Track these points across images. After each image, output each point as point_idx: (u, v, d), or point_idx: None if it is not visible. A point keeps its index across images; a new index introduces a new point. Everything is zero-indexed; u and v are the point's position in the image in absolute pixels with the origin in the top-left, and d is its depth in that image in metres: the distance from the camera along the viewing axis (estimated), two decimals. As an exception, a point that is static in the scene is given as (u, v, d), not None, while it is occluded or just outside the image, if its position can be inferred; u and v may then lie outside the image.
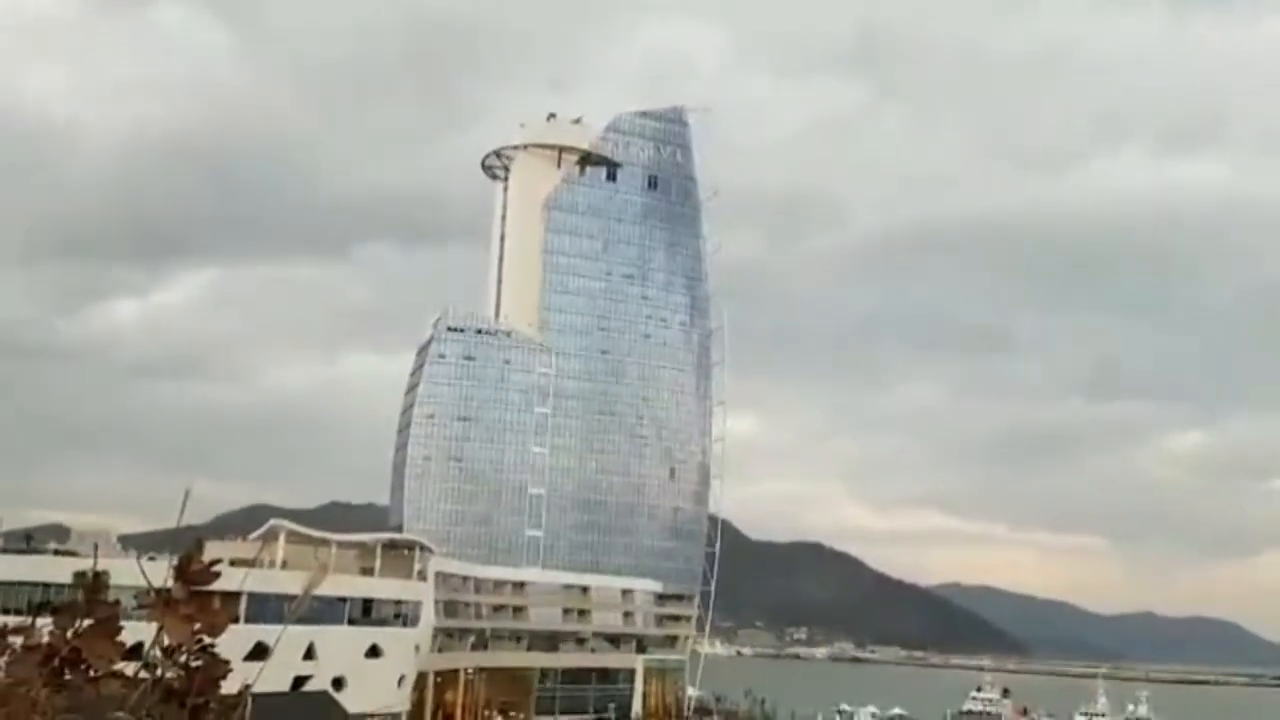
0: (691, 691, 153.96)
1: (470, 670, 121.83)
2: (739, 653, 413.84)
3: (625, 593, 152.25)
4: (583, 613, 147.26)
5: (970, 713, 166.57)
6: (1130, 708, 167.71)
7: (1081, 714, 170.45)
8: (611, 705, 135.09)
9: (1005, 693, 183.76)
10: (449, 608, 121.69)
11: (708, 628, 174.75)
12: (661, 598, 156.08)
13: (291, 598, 73.28)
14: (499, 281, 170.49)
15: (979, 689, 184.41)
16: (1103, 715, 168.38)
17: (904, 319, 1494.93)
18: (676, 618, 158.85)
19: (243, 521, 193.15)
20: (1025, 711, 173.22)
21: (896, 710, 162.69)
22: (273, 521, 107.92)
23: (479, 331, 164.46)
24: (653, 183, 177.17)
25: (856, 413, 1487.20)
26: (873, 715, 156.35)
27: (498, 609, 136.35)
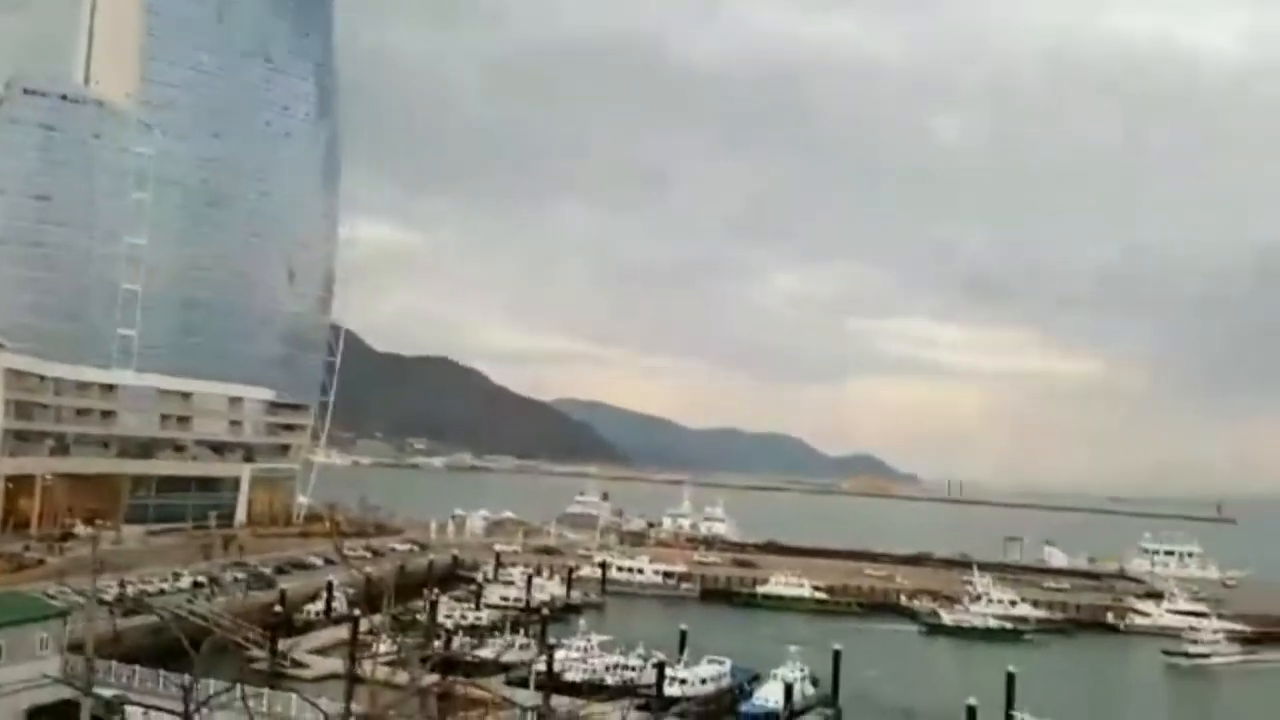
0: (302, 500, 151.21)
1: (48, 476, 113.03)
2: (356, 463, 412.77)
3: (233, 400, 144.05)
4: (183, 419, 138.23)
5: (573, 514, 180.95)
6: (709, 510, 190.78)
7: (669, 515, 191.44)
8: (213, 514, 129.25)
9: (605, 497, 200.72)
10: (21, 409, 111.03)
11: (324, 438, 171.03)
12: (275, 406, 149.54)
13: None
14: (89, 40, 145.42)
15: (582, 494, 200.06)
16: (686, 515, 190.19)
17: (570, 144, 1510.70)
18: (290, 427, 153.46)
19: None
20: (621, 513, 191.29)
21: (507, 514, 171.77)
22: None
23: (63, 97, 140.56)
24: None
25: (507, 231, 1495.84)
26: (484, 518, 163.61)
27: (82, 413, 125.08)
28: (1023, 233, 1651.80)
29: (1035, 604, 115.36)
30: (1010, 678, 61.76)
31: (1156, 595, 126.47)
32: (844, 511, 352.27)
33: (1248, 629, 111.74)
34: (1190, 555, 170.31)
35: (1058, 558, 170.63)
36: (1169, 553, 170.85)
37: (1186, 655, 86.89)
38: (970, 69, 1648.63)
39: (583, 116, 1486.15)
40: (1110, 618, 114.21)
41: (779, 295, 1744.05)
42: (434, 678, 25.06)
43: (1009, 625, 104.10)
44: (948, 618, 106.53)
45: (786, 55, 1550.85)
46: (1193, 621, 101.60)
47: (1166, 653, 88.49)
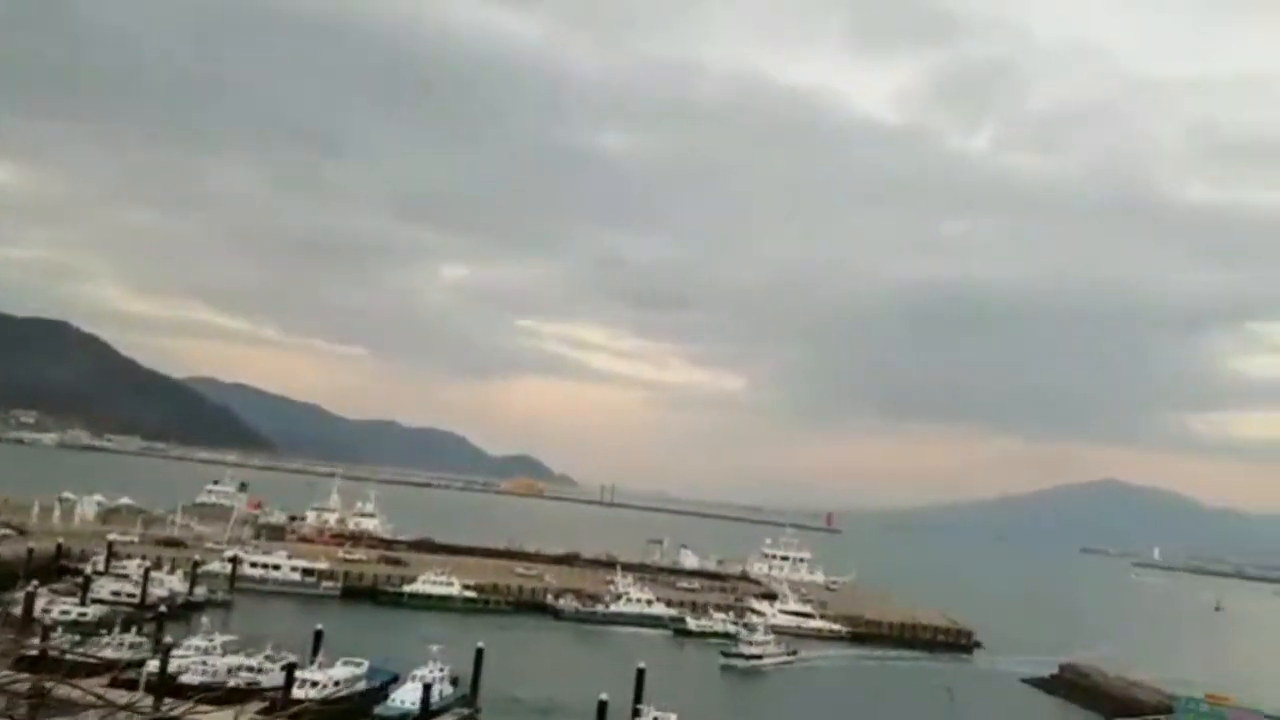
0: None
1: None
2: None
3: None
4: None
5: (204, 504, 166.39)
6: (359, 504, 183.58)
7: (314, 508, 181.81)
8: None
9: (243, 486, 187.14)
10: None
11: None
12: None
13: None
14: None
15: (216, 482, 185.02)
16: (334, 510, 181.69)
17: (233, 93, 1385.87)
18: None
19: None
20: (259, 505, 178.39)
21: (125, 500, 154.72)
22: None
23: None
24: None
25: (150, 185, 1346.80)
26: (98, 504, 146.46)
27: None
28: (689, 249, 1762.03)
29: (669, 603, 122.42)
30: (640, 673, 64.89)
31: (771, 596, 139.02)
32: (501, 510, 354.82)
33: (843, 629, 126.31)
34: (802, 561, 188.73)
35: (691, 560, 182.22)
36: (784, 558, 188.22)
37: (742, 656, 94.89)
38: (653, 82, 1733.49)
39: (251, 70, 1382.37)
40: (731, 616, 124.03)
41: (448, 286, 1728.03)
42: (24, 678, 21.56)
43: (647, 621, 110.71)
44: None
45: (480, 48, 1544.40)
46: (758, 619, 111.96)
47: (724, 654, 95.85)
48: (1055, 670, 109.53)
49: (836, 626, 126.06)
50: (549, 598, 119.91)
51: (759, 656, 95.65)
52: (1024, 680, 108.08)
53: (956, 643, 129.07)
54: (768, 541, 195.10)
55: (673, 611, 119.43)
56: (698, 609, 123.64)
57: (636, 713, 61.49)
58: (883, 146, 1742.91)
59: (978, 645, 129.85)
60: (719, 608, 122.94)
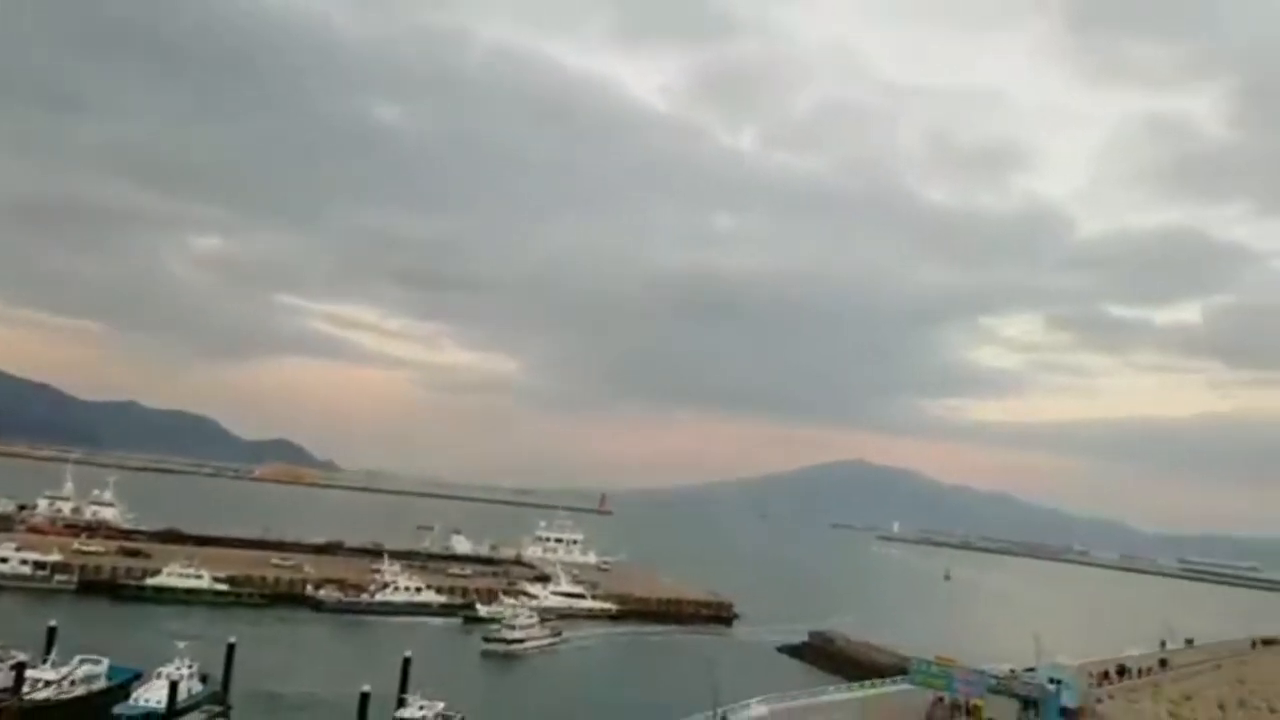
0: None
1: None
2: None
3: None
4: None
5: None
6: (96, 492, 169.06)
7: (45, 497, 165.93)
8: None
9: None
10: None
11: None
12: None
13: None
14: None
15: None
16: (68, 499, 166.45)
17: None
18: None
19: None
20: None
21: None
22: None
23: None
24: None
25: None
26: None
27: None
28: (464, 229, 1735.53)
29: (439, 590, 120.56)
30: (406, 661, 63.66)
31: (545, 579, 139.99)
32: (257, 498, 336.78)
33: (614, 607, 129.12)
34: (575, 543, 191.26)
35: (463, 545, 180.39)
36: (558, 540, 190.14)
37: (503, 641, 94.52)
38: (421, 50, 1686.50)
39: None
40: (504, 600, 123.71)
41: (199, 259, 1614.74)
42: None
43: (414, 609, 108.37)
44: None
45: (242, 11, 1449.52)
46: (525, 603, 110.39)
47: (486, 639, 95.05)
48: (805, 638, 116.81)
49: (607, 606, 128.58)
50: (308, 589, 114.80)
51: (521, 640, 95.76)
52: (778, 649, 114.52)
53: (718, 616, 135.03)
54: (542, 525, 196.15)
55: (443, 599, 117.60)
56: (468, 595, 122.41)
57: (401, 702, 60.29)
58: (655, 137, 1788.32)
59: (737, 617, 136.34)
60: (497, 593, 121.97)
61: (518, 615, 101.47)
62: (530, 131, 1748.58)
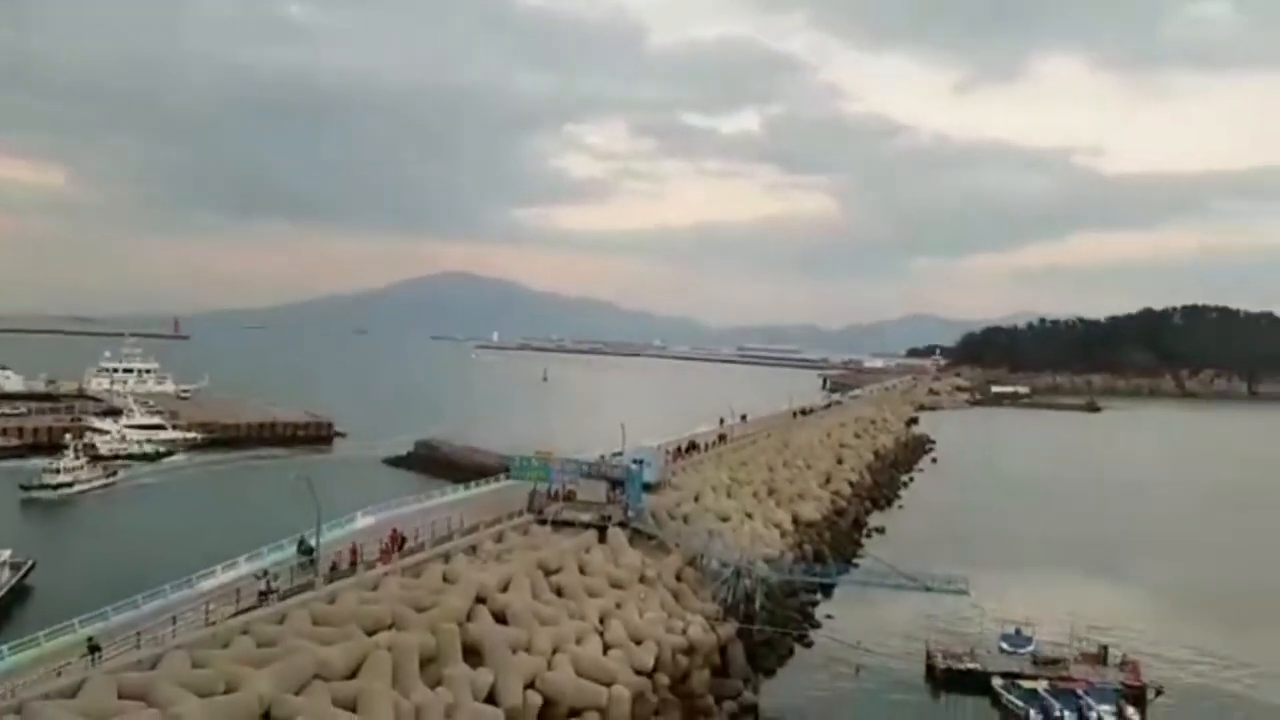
0: None
1: None
2: None
3: None
4: None
5: None
6: None
7: None
8: None
9: None
10: None
11: None
12: None
13: None
14: None
15: None
16: None
17: None
18: None
19: None
20: None
21: None
22: None
23: None
24: None
25: None
26: None
27: None
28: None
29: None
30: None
31: (116, 412, 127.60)
32: None
33: (199, 436, 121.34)
34: (149, 372, 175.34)
35: (14, 382, 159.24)
36: (128, 370, 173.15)
37: (48, 487, 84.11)
38: None
39: None
40: (68, 439, 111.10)
41: None
42: None
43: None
44: None
45: None
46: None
47: (24, 486, 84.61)
48: (411, 449, 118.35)
49: (190, 435, 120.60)
50: None
51: (69, 484, 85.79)
52: (384, 461, 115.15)
53: (318, 435, 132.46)
54: (106, 354, 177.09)
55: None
56: (24, 435, 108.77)
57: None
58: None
59: (339, 435, 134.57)
60: (60, 432, 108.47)
61: (61, 458, 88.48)
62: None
